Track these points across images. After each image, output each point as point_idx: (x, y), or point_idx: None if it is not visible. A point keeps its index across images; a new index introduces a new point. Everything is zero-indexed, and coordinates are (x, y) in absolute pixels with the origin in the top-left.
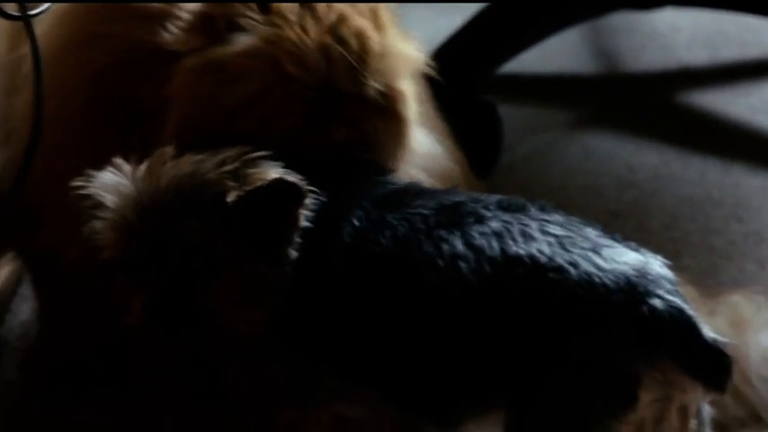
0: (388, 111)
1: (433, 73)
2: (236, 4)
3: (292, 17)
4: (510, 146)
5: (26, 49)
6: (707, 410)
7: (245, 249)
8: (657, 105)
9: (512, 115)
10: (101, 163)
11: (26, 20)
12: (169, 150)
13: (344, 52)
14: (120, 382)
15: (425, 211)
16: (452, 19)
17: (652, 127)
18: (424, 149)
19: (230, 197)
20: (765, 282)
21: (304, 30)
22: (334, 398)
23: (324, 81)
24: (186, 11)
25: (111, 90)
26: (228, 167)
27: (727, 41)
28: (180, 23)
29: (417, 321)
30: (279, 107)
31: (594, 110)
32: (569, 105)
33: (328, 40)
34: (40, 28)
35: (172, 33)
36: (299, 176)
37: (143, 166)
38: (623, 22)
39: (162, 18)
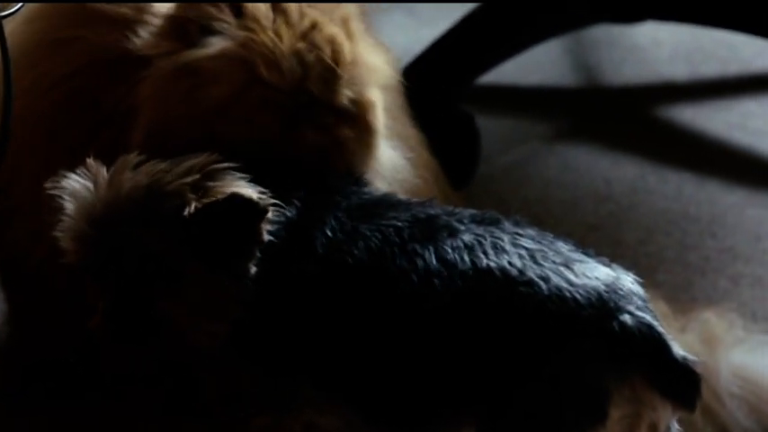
0: (358, 119)
1: (403, 84)
2: (209, 8)
3: (266, 22)
4: (488, 157)
5: None
6: (676, 428)
7: (203, 261)
8: (636, 119)
9: (490, 127)
10: (69, 164)
11: None
12: (132, 158)
13: (319, 58)
14: (91, 384)
15: (399, 224)
16: (434, 28)
17: (630, 141)
18: (389, 161)
19: (187, 210)
20: (738, 299)
21: (278, 34)
22: (307, 406)
23: (298, 86)
24: (157, 16)
25: (79, 93)
26: (189, 179)
27: (707, 57)
28: (150, 28)
29: (389, 334)
30: (252, 111)
31: (573, 122)
32: (548, 118)
33: (302, 45)
34: (8, 28)
35: (142, 38)
36: (262, 189)
37: (105, 173)
38: (604, 35)
39: (131, 24)
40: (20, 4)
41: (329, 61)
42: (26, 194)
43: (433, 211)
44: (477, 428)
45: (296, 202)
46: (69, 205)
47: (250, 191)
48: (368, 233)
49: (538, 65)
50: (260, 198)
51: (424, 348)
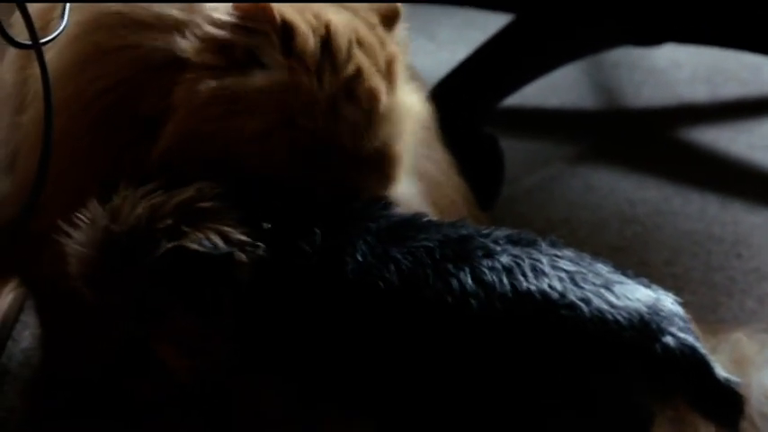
0: (379, 170)
1: (434, 111)
2: (260, 38)
3: (311, 62)
4: (512, 179)
5: (35, 70)
6: None
7: (178, 303)
8: (658, 141)
9: (513, 149)
10: (105, 183)
11: (37, 48)
12: (134, 192)
13: (355, 112)
14: (121, 409)
15: (431, 244)
16: (455, 52)
17: (653, 162)
18: (404, 197)
19: (157, 253)
20: (766, 319)
21: (320, 79)
22: (336, 427)
23: (329, 135)
24: (206, 20)
25: (118, 107)
26: (167, 221)
27: (726, 78)
28: (197, 31)
29: (425, 358)
30: (278, 151)
31: (595, 144)
32: (570, 140)
33: (341, 95)
34: (51, 51)
35: (188, 41)
36: (243, 233)
37: (108, 208)
38: (624, 57)
39: (178, 26)
40: (61, 28)
41: (364, 116)
42: (61, 215)
43: (465, 232)
44: None
45: (321, 228)
46: (72, 244)
47: (210, 238)
48: (399, 256)
49: (558, 87)
50: (224, 242)
51: (461, 371)
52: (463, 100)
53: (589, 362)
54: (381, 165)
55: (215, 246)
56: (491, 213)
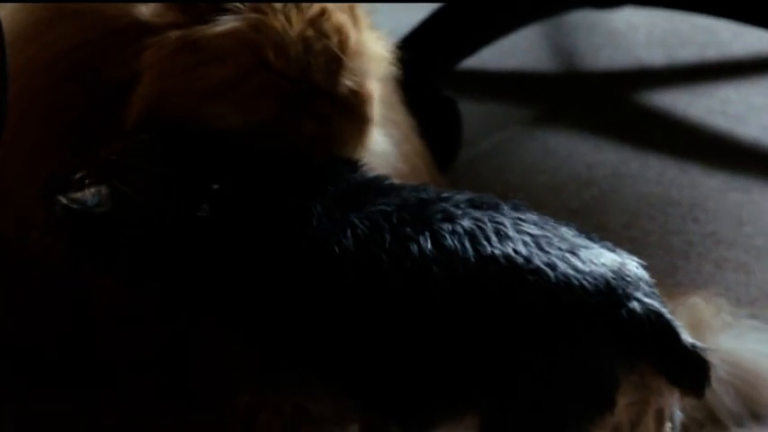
0: (355, 110)
1: (398, 69)
2: None
3: (278, 6)
4: (469, 142)
5: None
6: (678, 414)
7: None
8: (616, 104)
9: (471, 111)
10: (65, 144)
11: None
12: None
13: (326, 47)
14: (82, 373)
15: (388, 209)
16: (415, 14)
17: (611, 125)
18: (379, 149)
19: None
20: (722, 283)
21: (288, 19)
22: (296, 389)
23: (302, 74)
24: None
25: (80, 68)
26: (78, 174)
27: (684, 42)
28: None
29: (385, 322)
30: (254, 94)
31: (553, 107)
32: (528, 102)
33: (311, 32)
34: (12, 8)
35: (149, 6)
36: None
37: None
38: (581, 20)
39: None
40: None
41: (336, 51)
42: (19, 177)
43: (425, 195)
44: (481, 419)
45: (280, 191)
46: None
47: (81, 195)
48: (356, 221)
49: (516, 50)
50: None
51: (422, 336)
52: (421, 62)
53: (555, 328)
54: (356, 105)
55: (86, 201)
56: (449, 176)
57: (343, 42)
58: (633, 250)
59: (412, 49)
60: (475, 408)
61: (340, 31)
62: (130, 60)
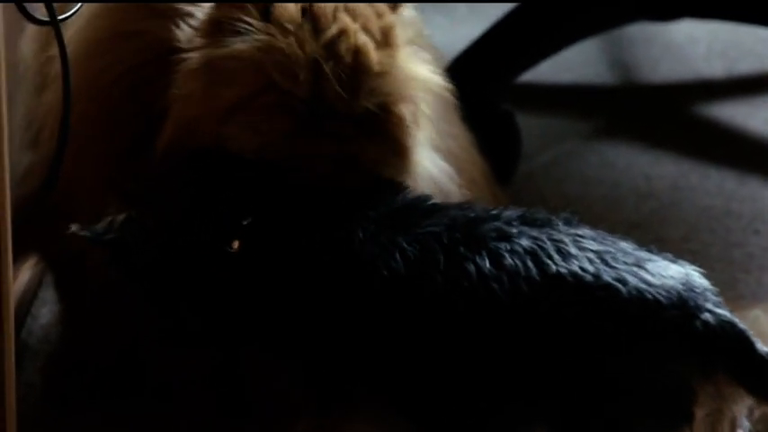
0: (383, 132)
1: (451, 87)
2: (236, 9)
3: (291, 26)
4: (528, 155)
5: (56, 49)
6: (746, 423)
7: None
8: (674, 116)
9: (529, 125)
10: (127, 162)
11: (55, 25)
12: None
13: (334, 69)
14: (140, 388)
15: (437, 229)
16: (471, 28)
17: (669, 138)
18: (426, 174)
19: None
20: None
21: (299, 41)
22: (355, 414)
23: (313, 94)
24: (203, 10)
25: (138, 89)
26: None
27: (743, 54)
28: (193, 22)
29: (443, 343)
30: (263, 116)
31: (611, 120)
32: (587, 115)
33: (321, 53)
34: (70, 29)
35: (184, 32)
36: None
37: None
38: (640, 33)
39: (182, 17)
40: (78, 5)
41: (347, 72)
42: (83, 195)
43: (473, 214)
44: None
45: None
46: None
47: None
48: (404, 244)
49: (574, 63)
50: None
51: (489, 357)
52: (480, 76)
53: (631, 344)
54: (382, 126)
55: (95, 231)
56: (508, 190)
57: (359, 63)
58: (693, 263)
59: (470, 64)
60: (550, 427)
61: (357, 52)
62: (169, 82)
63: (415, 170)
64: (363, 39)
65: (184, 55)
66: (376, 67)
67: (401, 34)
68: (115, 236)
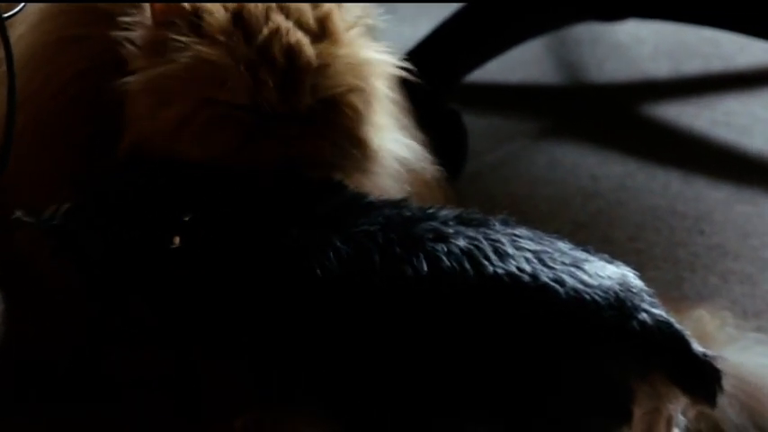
0: (333, 127)
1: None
2: (171, 27)
3: (220, 37)
4: (475, 155)
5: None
6: (682, 419)
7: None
8: (621, 117)
9: (476, 124)
10: (74, 167)
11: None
12: None
13: (270, 70)
14: (87, 388)
15: (371, 228)
16: (417, 27)
17: (616, 138)
18: (396, 156)
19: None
20: (728, 296)
21: (230, 50)
22: (294, 412)
23: (252, 101)
24: (145, 17)
25: (84, 95)
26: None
27: (689, 54)
28: (135, 31)
29: (378, 343)
30: (207, 129)
31: (558, 120)
32: (533, 115)
33: (254, 59)
34: (15, 32)
35: (128, 49)
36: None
37: None
38: (586, 33)
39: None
40: (22, 5)
41: (283, 73)
42: (29, 197)
43: (409, 213)
44: None
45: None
46: None
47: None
48: (338, 243)
49: (521, 63)
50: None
51: (423, 357)
52: (426, 75)
53: (569, 345)
54: (333, 120)
55: (40, 218)
56: (455, 189)
57: (295, 62)
58: (639, 262)
59: (417, 63)
60: (491, 429)
61: (292, 50)
62: (122, 94)
63: (378, 157)
64: (297, 36)
65: (129, 78)
66: (314, 63)
67: (340, 21)
68: (60, 222)
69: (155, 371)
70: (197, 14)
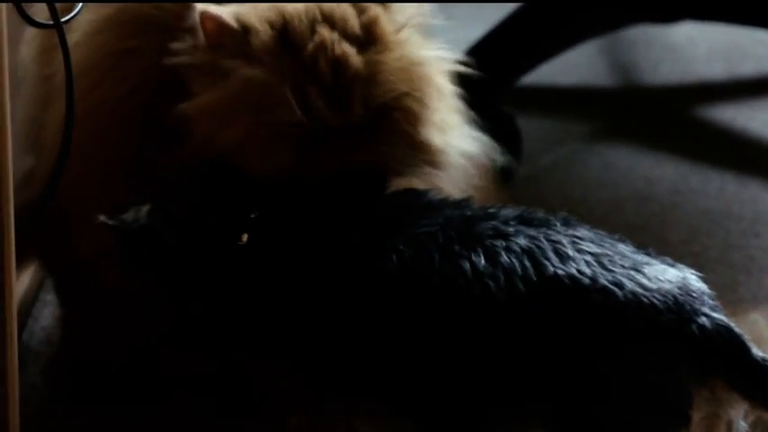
0: (390, 133)
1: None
2: (223, 50)
3: (269, 58)
4: (529, 158)
5: (60, 63)
6: (743, 425)
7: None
8: (675, 119)
9: (530, 127)
10: (129, 179)
11: (58, 27)
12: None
13: (317, 88)
14: (142, 389)
15: (432, 229)
16: (471, 30)
17: (670, 140)
18: (464, 152)
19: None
20: None
21: (278, 70)
22: (349, 411)
23: (305, 117)
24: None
25: (141, 109)
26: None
27: (744, 56)
28: (188, 40)
29: (436, 340)
30: (266, 147)
31: (612, 123)
32: (587, 118)
33: (301, 76)
34: (70, 38)
35: (184, 67)
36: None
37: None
38: (639, 35)
39: (178, 31)
40: (80, 6)
41: (332, 87)
42: (87, 205)
43: (470, 212)
44: None
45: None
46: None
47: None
48: (399, 245)
49: (575, 65)
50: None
51: (481, 354)
52: (481, 78)
53: (627, 348)
54: (390, 126)
55: (123, 220)
56: (509, 192)
57: (342, 76)
58: (694, 266)
59: (471, 66)
60: (544, 429)
61: (338, 64)
62: (178, 102)
63: (443, 156)
64: (342, 48)
65: (187, 103)
66: (362, 73)
67: (388, 23)
68: (146, 223)
69: (204, 372)
70: (245, 34)
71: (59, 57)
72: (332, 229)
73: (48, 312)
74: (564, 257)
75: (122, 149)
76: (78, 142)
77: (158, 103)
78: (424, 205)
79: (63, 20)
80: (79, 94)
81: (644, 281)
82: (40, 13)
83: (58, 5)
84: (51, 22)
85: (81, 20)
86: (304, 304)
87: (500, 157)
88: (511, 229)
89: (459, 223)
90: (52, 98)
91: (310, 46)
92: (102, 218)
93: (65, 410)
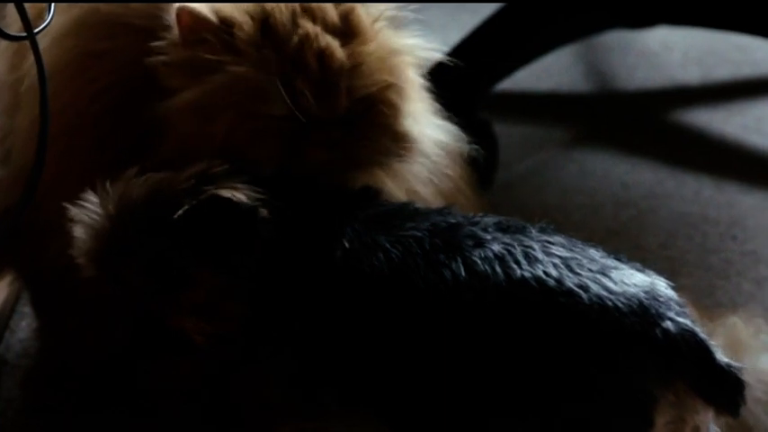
0: (373, 125)
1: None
2: (205, 45)
3: (252, 50)
4: (506, 164)
5: (26, 68)
6: (714, 430)
7: (204, 263)
8: (651, 124)
9: (507, 133)
10: (107, 177)
11: (32, 38)
12: (134, 172)
13: (303, 80)
14: (122, 399)
15: (419, 234)
16: (446, 36)
17: (646, 145)
18: (435, 140)
19: (177, 214)
20: (762, 302)
21: (264, 63)
22: (335, 419)
23: (290, 110)
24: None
25: (116, 107)
26: (184, 185)
27: (719, 60)
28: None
29: (420, 348)
30: (252, 141)
31: (589, 128)
32: (564, 124)
33: (287, 69)
34: (40, 47)
35: (161, 70)
36: (257, 190)
37: (111, 189)
38: (616, 40)
39: (151, 33)
40: (49, 18)
41: (318, 80)
42: (60, 214)
43: (454, 220)
44: None
45: (311, 213)
46: (79, 227)
47: (235, 192)
48: (387, 245)
49: (551, 71)
50: (247, 198)
51: (458, 362)
52: (456, 84)
53: (591, 350)
54: (373, 118)
55: (240, 199)
56: (486, 199)
57: (327, 67)
58: (671, 270)
59: (446, 72)
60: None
61: (323, 55)
62: (153, 100)
63: (420, 145)
64: (326, 40)
65: (169, 100)
66: (346, 65)
67: (364, 14)
68: (264, 215)
69: (189, 383)
70: (226, 29)
71: (26, 61)
72: (321, 226)
73: (25, 324)
74: (532, 260)
75: (92, 152)
76: (53, 143)
77: (129, 105)
78: (411, 211)
79: (36, 30)
80: (49, 99)
81: (609, 284)
82: (13, 24)
83: (27, 6)
84: (24, 34)
85: (48, 28)
86: (297, 306)
87: (467, 144)
88: (488, 236)
89: (443, 230)
90: (20, 104)
91: (295, 38)
92: (225, 192)
93: (43, 423)
